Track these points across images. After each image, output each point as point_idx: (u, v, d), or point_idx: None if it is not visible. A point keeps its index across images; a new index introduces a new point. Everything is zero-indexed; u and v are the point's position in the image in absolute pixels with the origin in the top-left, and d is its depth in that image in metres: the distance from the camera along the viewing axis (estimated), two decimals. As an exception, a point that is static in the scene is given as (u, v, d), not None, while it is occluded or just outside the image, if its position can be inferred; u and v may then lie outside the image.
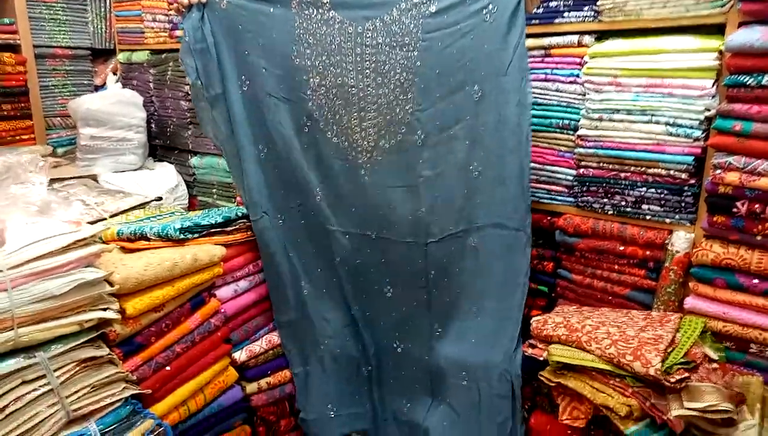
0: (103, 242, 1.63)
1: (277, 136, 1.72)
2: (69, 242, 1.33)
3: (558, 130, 1.81)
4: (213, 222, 1.71)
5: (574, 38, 1.75)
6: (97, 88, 3.42)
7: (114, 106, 2.79)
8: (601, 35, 1.74)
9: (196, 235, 1.68)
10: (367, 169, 1.68)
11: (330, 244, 1.77)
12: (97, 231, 1.41)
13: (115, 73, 3.18)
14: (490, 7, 1.48)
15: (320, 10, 1.59)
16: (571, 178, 1.81)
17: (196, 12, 1.68)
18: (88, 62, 3.37)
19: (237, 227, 1.79)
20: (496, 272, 1.62)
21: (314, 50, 1.62)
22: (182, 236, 1.63)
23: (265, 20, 1.64)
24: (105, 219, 1.86)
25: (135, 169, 2.94)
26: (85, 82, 3.37)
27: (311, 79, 1.64)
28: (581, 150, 1.75)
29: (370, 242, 1.72)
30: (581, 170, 1.77)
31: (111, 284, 1.41)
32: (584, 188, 1.78)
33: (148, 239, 1.63)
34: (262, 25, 1.65)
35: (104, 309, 1.40)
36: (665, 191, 1.62)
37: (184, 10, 1.68)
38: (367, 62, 1.59)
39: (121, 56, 3.17)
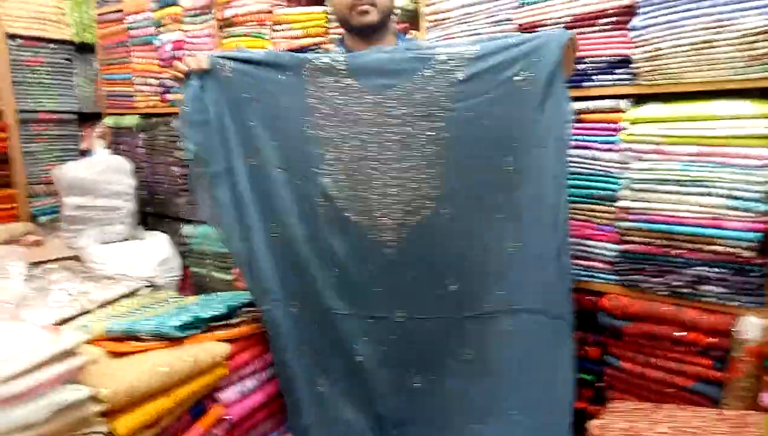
0: (89, 342, 1.40)
1: (288, 214, 1.52)
2: (45, 357, 1.11)
3: (595, 201, 1.65)
4: (215, 314, 1.49)
5: (609, 103, 1.60)
6: (83, 153, 3.23)
7: (101, 174, 2.59)
8: (639, 99, 1.59)
9: (196, 330, 1.46)
10: (392, 248, 1.49)
11: (350, 332, 1.56)
12: (79, 341, 1.18)
13: (102, 138, 2.99)
14: (524, 73, 1.32)
15: (336, 78, 1.43)
16: (612, 253, 1.64)
17: (196, 80, 1.51)
18: (74, 126, 3.19)
19: (242, 318, 1.57)
20: (536, 367, 1.41)
21: (330, 121, 1.45)
22: (180, 334, 1.41)
23: (274, 89, 1.47)
24: (91, 311, 1.63)
25: (123, 240, 2.72)
26: (71, 147, 3.19)
27: (327, 153, 1.46)
28: (624, 223, 1.58)
29: (397, 325, 1.52)
30: (626, 246, 1.59)
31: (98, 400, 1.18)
32: (630, 266, 1.59)
33: (140, 340, 1.41)
34: (271, 94, 1.48)
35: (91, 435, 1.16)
36: (727, 271, 1.44)
37: (182, 77, 1.51)
38: (390, 134, 1.42)
39: (109, 120, 2.99)
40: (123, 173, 2.68)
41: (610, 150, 1.61)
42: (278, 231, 1.53)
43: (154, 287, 1.83)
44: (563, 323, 1.39)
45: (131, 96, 2.88)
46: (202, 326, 1.48)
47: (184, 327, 1.42)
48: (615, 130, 1.59)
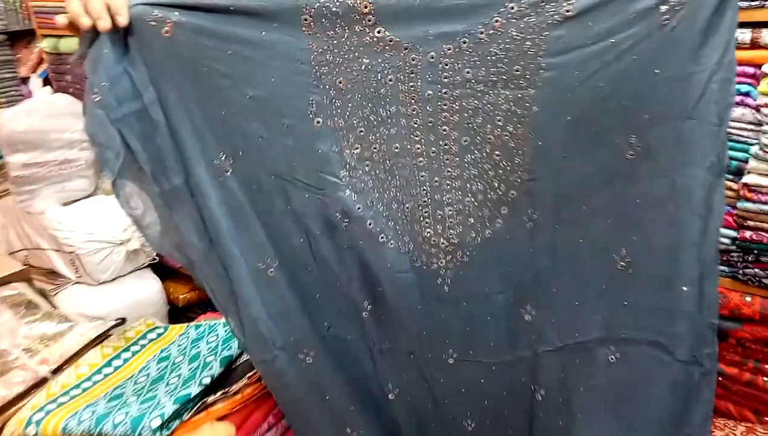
0: None
1: (290, 239, 1.05)
2: None
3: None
4: (209, 382, 1.09)
5: (747, 33, 1.12)
6: (24, 81, 2.65)
7: (46, 122, 2.07)
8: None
9: (187, 414, 1.06)
10: (446, 277, 1.08)
11: (382, 374, 1.18)
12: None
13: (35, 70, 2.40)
14: (674, 1, 0.82)
15: (357, 29, 0.90)
16: (726, 240, 1.28)
17: (110, 47, 0.88)
18: (6, 49, 2.58)
19: (244, 380, 1.17)
20: (644, 413, 1.06)
21: (349, 100, 0.95)
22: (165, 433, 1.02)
23: (255, 55, 0.90)
24: (45, 380, 1.22)
25: (88, 196, 2.26)
26: (7, 75, 2.59)
27: (346, 151, 0.98)
28: (747, 204, 1.18)
29: (446, 367, 1.15)
30: (746, 233, 1.19)
31: None
32: (749, 257, 1.21)
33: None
34: (249, 63, 0.90)
35: None
36: None
37: (86, 31, 0.87)
38: (446, 113, 0.94)
39: (45, 44, 2.38)
40: (73, 116, 2.15)
41: (741, 104, 1.17)
42: (275, 263, 1.06)
43: (124, 322, 1.40)
44: (699, 369, 1.01)
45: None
46: (194, 406, 1.08)
47: (169, 421, 1.02)
48: (753, 77, 1.13)
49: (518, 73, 0.89)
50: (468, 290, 1.07)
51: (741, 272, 1.28)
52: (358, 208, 1.01)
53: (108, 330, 1.31)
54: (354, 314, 1.11)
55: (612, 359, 1.06)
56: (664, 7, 0.82)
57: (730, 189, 1.25)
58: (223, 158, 0.98)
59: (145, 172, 0.96)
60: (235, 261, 1.03)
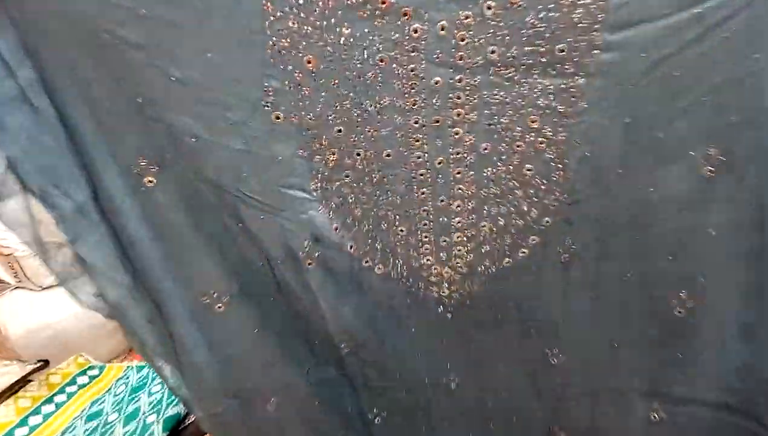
0: None
1: (246, 265, 0.80)
2: None
3: None
4: None
5: None
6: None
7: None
8: None
9: None
10: (449, 306, 0.85)
11: (367, 403, 0.94)
12: None
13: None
14: None
15: None
16: None
17: None
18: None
19: None
20: None
21: (320, 86, 0.67)
22: None
23: (180, 17, 0.60)
24: None
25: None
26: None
27: (316, 156, 0.71)
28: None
29: (446, 391, 0.93)
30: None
31: None
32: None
33: None
34: (173, 32, 0.60)
35: None
36: None
37: None
38: (458, 109, 0.68)
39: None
40: None
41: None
42: (225, 297, 0.81)
43: (47, 365, 1.12)
44: None
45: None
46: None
47: None
48: None
49: (563, 54, 0.62)
50: (477, 321, 0.84)
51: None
52: (335, 229, 0.75)
53: (27, 375, 1.03)
54: (331, 350, 0.88)
55: (655, 417, 0.85)
56: None
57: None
58: (144, 164, 0.70)
59: (32, 190, 0.68)
60: (169, 296, 0.77)
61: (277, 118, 0.66)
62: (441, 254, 0.79)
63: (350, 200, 0.73)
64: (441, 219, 0.76)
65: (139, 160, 0.68)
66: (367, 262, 0.78)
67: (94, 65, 0.62)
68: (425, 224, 0.77)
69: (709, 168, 0.70)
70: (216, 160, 0.69)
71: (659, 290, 0.78)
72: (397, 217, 0.76)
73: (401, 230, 0.77)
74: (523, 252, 0.78)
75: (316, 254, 0.76)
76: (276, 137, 0.67)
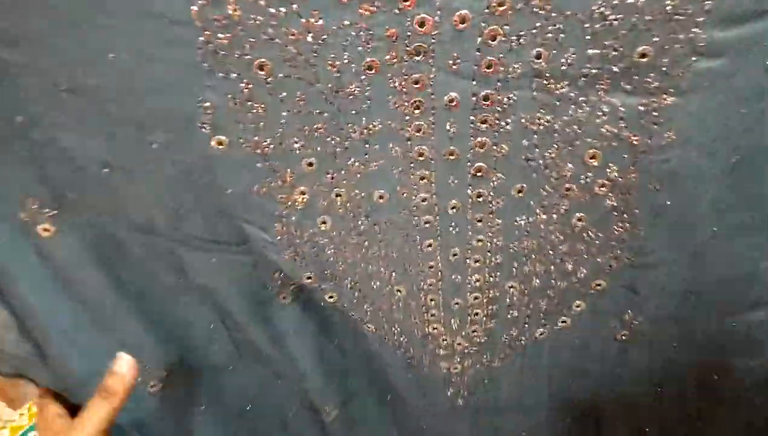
0: None
1: (191, 328, 0.61)
2: None
3: None
4: None
5: None
6: None
7: None
8: None
9: None
10: (461, 386, 0.67)
11: None
12: None
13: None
14: None
15: None
16: None
17: None
18: None
19: None
20: None
21: (280, 103, 0.45)
22: None
23: (72, 4, 0.39)
24: None
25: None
26: None
27: (278, 194, 0.50)
28: None
29: None
30: None
31: None
32: None
33: None
34: (61, 24, 0.40)
35: None
36: None
37: None
38: (481, 138, 0.47)
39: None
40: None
41: None
42: (161, 373, 0.61)
43: None
44: None
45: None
46: None
47: None
48: None
49: (645, 61, 0.41)
50: (496, 404, 0.66)
51: None
52: (308, 279, 0.55)
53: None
54: (309, 423, 0.70)
55: None
56: None
57: None
58: (36, 208, 0.50)
59: None
60: (79, 376, 0.58)
61: (220, 144, 0.45)
62: (452, 321, 0.59)
63: (328, 253, 0.53)
64: (454, 278, 0.56)
65: (29, 203, 0.48)
66: (353, 314, 0.58)
67: None
68: (431, 285, 0.57)
69: None
70: (139, 194, 0.48)
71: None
72: (394, 275, 0.55)
73: (399, 291, 0.57)
74: (564, 322, 0.58)
75: (291, 287, 0.57)
76: (221, 167, 0.47)
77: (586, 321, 0.58)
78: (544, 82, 0.43)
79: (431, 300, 0.58)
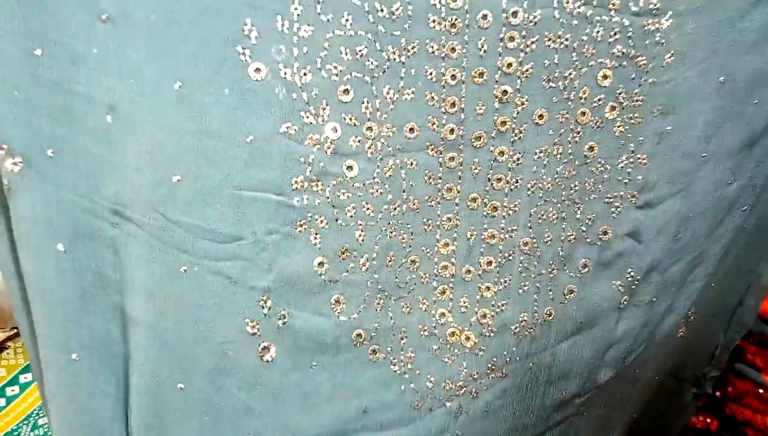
0: None
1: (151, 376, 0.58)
2: None
3: None
4: None
5: None
6: None
7: None
8: None
9: None
10: (457, 421, 0.67)
11: None
12: None
13: None
14: None
15: None
16: None
17: None
18: None
19: None
20: None
21: (327, 23, 0.49)
22: None
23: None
24: None
25: None
26: None
27: (309, 134, 0.52)
28: None
29: None
30: None
31: None
32: None
33: None
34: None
35: None
36: None
37: None
38: (509, 58, 0.54)
39: None
40: None
41: None
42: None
43: None
44: None
45: None
46: None
47: None
48: None
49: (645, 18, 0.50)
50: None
51: None
52: (319, 266, 0.56)
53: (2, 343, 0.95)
54: None
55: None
56: None
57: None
58: (2, 152, 0.49)
59: None
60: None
61: (257, 71, 0.48)
62: (462, 302, 0.62)
63: (347, 214, 0.56)
64: (469, 235, 0.60)
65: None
66: (360, 336, 0.59)
67: None
68: (446, 246, 0.61)
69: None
70: (135, 153, 0.48)
71: None
72: (412, 238, 0.59)
73: (413, 263, 0.60)
74: (571, 292, 0.64)
75: (282, 316, 0.56)
76: (250, 106, 0.49)
77: (591, 288, 0.64)
78: (564, 1, 0.51)
79: (444, 268, 0.61)
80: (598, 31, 0.51)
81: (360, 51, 0.48)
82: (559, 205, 0.59)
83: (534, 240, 0.60)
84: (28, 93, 0.42)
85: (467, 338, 0.62)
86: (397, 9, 0.47)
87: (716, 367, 0.85)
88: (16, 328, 0.99)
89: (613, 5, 0.50)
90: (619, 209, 0.60)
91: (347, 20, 0.46)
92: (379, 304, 0.57)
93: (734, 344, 0.83)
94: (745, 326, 0.79)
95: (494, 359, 0.62)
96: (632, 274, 0.62)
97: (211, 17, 0.43)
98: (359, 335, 0.57)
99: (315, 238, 0.52)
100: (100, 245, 0.48)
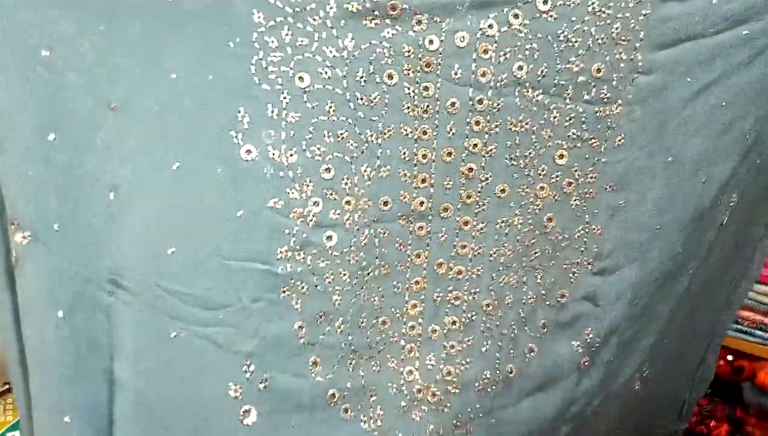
0: None
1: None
2: None
3: None
4: None
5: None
6: None
7: None
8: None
9: None
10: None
11: None
12: None
13: None
14: None
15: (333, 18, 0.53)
16: None
17: None
18: None
19: None
20: None
21: (311, 111, 0.56)
22: None
23: (151, 28, 0.50)
24: None
25: None
26: None
27: (294, 208, 0.59)
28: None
29: None
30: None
31: None
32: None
33: None
34: (134, 46, 0.50)
35: None
36: None
37: None
38: (476, 139, 0.61)
39: None
40: None
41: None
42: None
43: None
44: None
45: None
46: None
47: None
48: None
49: (600, 75, 0.59)
50: None
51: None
52: (299, 330, 0.62)
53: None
54: None
55: None
56: None
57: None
58: (14, 227, 0.54)
59: None
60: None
61: (248, 153, 0.56)
62: (428, 358, 0.69)
63: (326, 281, 0.62)
64: (435, 296, 0.67)
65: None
66: (334, 396, 0.65)
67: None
68: (414, 307, 0.68)
69: (725, 217, 0.68)
70: (132, 225, 0.53)
71: None
72: (383, 300, 0.65)
73: (384, 324, 0.66)
74: (531, 351, 0.71)
75: (264, 380, 0.61)
76: (241, 184, 0.56)
77: (550, 346, 0.71)
78: (524, 90, 0.59)
79: (412, 328, 0.68)
80: (555, 117, 0.59)
81: (341, 134, 0.55)
82: (520, 270, 0.66)
83: (496, 302, 0.67)
84: (41, 174, 0.48)
85: (433, 395, 0.68)
86: (375, 97, 0.55)
87: (684, 421, 0.91)
88: (7, 383, 1.01)
89: (568, 94, 0.58)
90: (576, 275, 0.67)
91: (330, 107, 0.54)
92: (351, 364, 0.63)
93: (697, 400, 0.90)
94: (708, 382, 0.87)
95: (459, 415, 0.68)
96: (591, 335, 0.70)
97: (208, 106, 0.50)
98: (333, 394, 0.62)
99: (296, 303, 0.58)
100: (95, 311, 0.53)
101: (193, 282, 0.55)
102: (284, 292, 0.57)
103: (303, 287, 0.58)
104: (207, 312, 0.55)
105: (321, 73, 0.52)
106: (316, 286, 0.59)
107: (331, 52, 0.52)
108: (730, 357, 1.29)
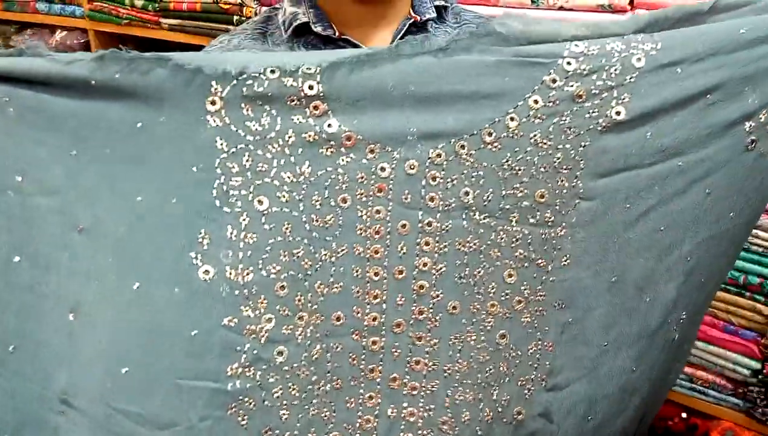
0: None
1: None
2: None
3: (738, 290, 1.34)
4: None
5: None
6: None
7: None
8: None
9: None
10: None
11: None
12: None
13: None
14: (765, 117, 0.66)
15: (296, 120, 0.60)
16: (746, 372, 1.36)
17: None
18: None
19: None
20: None
21: (269, 233, 0.62)
22: None
23: (120, 153, 0.58)
24: None
25: None
26: None
27: (248, 324, 0.64)
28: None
29: None
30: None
31: None
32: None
33: None
34: (104, 171, 0.58)
35: None
36: None
37: None
38: (425, 258, 0.67)
39: None
40: None
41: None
42: None
43: None
44: None
45: None
46: None
47: None
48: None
49: (543, 200, 0.66)
50: None
51: (758, 410, 1.33)
52: None
53: None
54: None
55: None
56: (750, 124, 0.66)
57: (759, 314, 1.29)
58: None
59: None
60: None
61: (206, 273, 0.61)
62: None
63: (275, 396, 0.65)
64: (390, 413, 0.69)
65: None
66: None
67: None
68: (368, 422, 0.72)
69: (677, 335, 0.74)
70: (89, 345, 0.58)
71: None
72: (333, 415, 0.69)
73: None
74: None
75: None
76: (197, 303, 0.61)
77: None
78: (471, 213, 0.65)
79: None
80: (502, 238, 0.65)
81: (296, 253, 0.61)
82: (475, 386, 0.69)
83: (452, 419, 0.70)
84: (3, 295, 0.53)
85: None
86: (330, 219, 0.61)
87: None
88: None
89: (514, 217, 0.65)
90: (531, 392, 0.71)
91: (287, 228, 0.60)
92: None
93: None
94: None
95: None
96: None
97: (171, 228, 0.55)
98: None
99: (243, 419, 0.61)
100: (43, 432, 0.57)
101: (144, 401, 0.58)
102: (231, 408, 0.61)
103: (251, 404, 0.61)
104: (156, 432, 0.58)
105: (279, 197, 0.58)
106: (264, 401, 0.62)
107: (289, 177, 0.58)
108: (684, 415, 1.38)
